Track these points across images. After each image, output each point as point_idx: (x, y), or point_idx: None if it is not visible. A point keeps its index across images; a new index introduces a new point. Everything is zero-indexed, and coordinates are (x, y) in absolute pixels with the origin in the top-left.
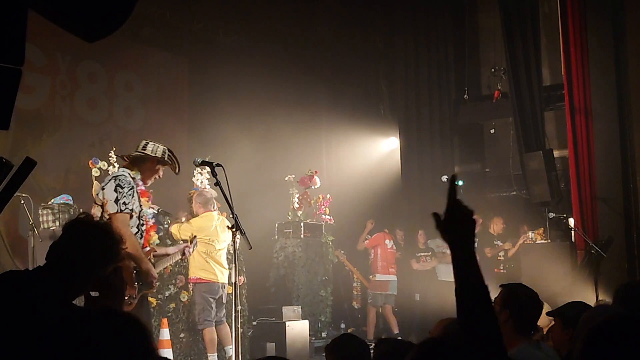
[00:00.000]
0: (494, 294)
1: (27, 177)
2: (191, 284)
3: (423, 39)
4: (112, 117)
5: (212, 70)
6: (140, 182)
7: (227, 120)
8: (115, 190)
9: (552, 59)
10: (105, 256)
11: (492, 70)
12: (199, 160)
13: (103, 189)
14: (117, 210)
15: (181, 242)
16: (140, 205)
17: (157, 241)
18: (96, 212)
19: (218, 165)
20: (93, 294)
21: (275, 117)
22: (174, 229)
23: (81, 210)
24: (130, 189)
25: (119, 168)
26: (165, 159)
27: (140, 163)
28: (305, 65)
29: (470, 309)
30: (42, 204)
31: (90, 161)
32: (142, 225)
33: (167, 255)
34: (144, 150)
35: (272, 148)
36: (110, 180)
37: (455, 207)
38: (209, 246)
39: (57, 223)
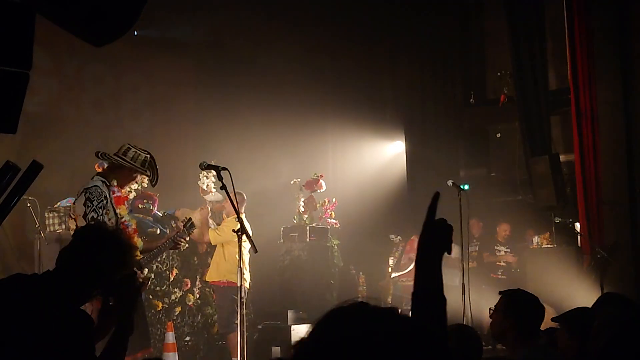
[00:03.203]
0: (491, 298)
1: (33, 180)
2: (221, 287)
3: (428, 43)
4: (118, 119)
5: (218, 73)
6: (116, 189)
7: (233, 123)
8: (85, 205)
9: (558, 63)
10: (115, 263)
11: (498, 74)
12: (205, 163)
13: (74, 203)
14: (90, 218)
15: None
16: (117, 214)
17: (141, 245)
18: (71, 224)
19: (224, 168)
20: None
21: (282, 120)
22: (211, 234)
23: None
24: (101, 201)
25: (94, 176)
26: (144, 168)
27: (117, 169)
28: (311, 68)
29: (424, 316)
30: (49, 207)
31: (97, 164)
32: None
33: (155, 250)
34: (124, 156)
35: (278, 151)
36: (81, 193)
37: (432, 226)
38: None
39: (63, 226)
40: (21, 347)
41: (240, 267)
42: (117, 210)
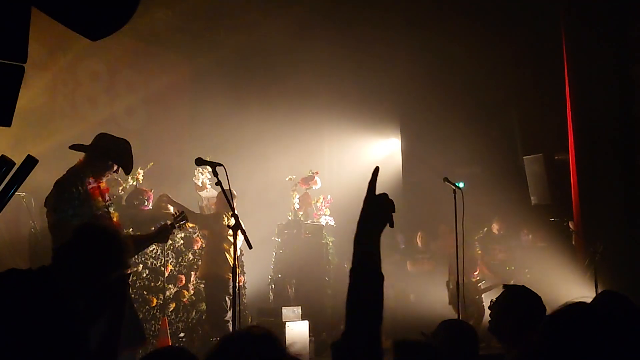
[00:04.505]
0: (486, 296)
1: (28, 175)
2: (210, 282)
3: (425, 40)
4: (113, 116)
5: (213, 70)
6: (92, 181)
7: (229, 120)
8: (54, 198)
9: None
10: (111, 262)
11: None
12: (200, 160)
13: (47, 197)
14: (55, 219)
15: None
16: (92, 206)
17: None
18: (49, 219)
19: (219, 165)
20: None
21: (277, 117)
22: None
23: None
24: (71, 193)
25: (69, 170)
26: (116, 155)
27: (91, 160)
28: (306, 65)
29: (360, 293)
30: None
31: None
32: None
33: (142, 241)
34: (96, 145)
35: (273, 148)
36: (53, 187)
37: (373, 201)
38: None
39: None
40: (15, 342)
41: (235, 263)
42: (93, 203)
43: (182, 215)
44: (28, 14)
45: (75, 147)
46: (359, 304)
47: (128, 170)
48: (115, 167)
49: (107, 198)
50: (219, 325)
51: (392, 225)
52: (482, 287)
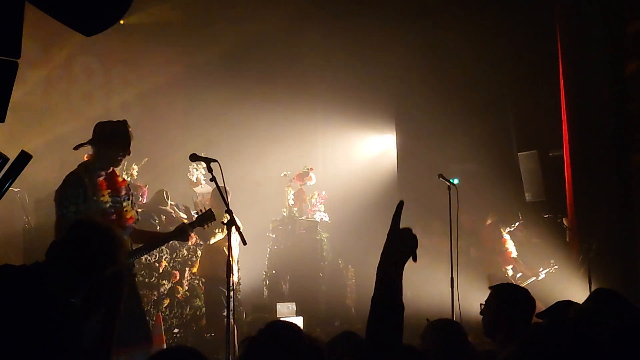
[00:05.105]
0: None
1: (22, 170)
2: (209, 280)
3: (422, 37)
4: (108, 112)
5: (208, 66)
6: (103, 173)
7: (223, 116)
8: (60, 193)
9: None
10: (105, 259)
11: None
12: (195, 155)
13: (55, 192)
14: (58, 215)
15: None
16: (98, 201)
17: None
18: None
19: (214, 160)
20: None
21: (272, 113)
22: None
23: None
24: (77, 189)
25: (79, 164)
26: (114, 139)
27: (97, 152)
28: (301, 61)
29: (381, 322)
30: (37, 198)
31: (86, 155)
32: None
33: (155, 242)
34: (95, 135)
35: (268, 144)
36: (61, 183)
37: (397, 234)
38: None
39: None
40: (8, 338)
41: (229, 260)
42: (99, 198)
43: (209, 214)
44: (22, 9)
45: (79, 146)
46: (380, 333)
47: (126, 152)
48: (121, 153)
49: (124, 192)
50: (216, 321)
51: (415, 260)
52: (518, 281)
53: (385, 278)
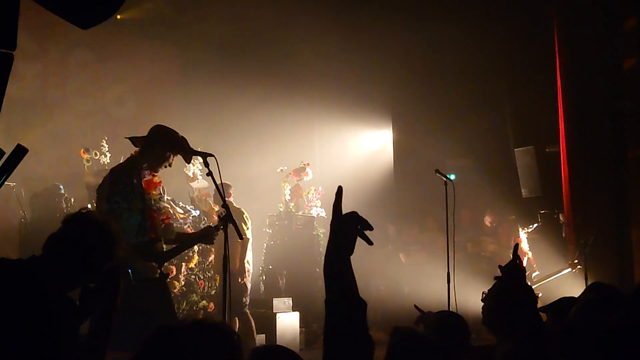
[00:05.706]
0: (485, 285)
1: (18, 164)
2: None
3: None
4: (103, 106)
5: (203, 60)
6: (147, 173)
7: (219, 111)
8: (108, 187)
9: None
10: (102, 253)
11: None
12: (191, 150)
13: (100, 184)
14: (107, 210)
15: None
16: (145, 199)
17: (174, 234)
18: (100, 207)
19: (210, 155)
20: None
21: (268, 108)
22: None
23: (72, 200)
24: (126, 185)
25: (126, 159)
26: (173, 145)
27: (148, 150)
28: (296, 56)
29: (342, 323)
30: (33, 192)
31: (82, 150)
32: (146, 221)
33: (186, 242)
34: (152, 135)
35: (264, 140)
36: (107, 176)
37: (339, 221)
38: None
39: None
40: (4, 332)
41: (226, 254)
42: (148, 196)
43: (228, 214)
44: (17, 1)
45: (132, 139)
46: (340, 338)
47: (188, 159)
48: (171, 158)
49: (160, 192)
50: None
51: (369, 243)
52: (535, 280)
53: (334, 275)
